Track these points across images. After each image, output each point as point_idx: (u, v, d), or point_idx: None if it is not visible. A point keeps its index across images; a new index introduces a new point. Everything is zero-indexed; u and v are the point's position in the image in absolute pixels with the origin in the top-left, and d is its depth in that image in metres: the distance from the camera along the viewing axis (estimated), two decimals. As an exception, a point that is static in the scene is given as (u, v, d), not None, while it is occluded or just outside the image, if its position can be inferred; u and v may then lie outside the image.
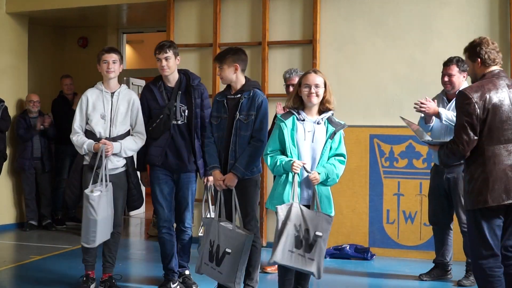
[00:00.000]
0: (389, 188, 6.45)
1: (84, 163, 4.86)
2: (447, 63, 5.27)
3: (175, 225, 5.05)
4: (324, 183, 4.06)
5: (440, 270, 5.49)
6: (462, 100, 3.69)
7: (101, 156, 4.70)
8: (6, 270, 5.85)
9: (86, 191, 4.67)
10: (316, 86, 4.07)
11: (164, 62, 4.83)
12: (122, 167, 4.91)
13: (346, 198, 6.46)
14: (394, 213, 6.44)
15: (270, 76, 6.84)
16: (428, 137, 4.03)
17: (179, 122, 4.88)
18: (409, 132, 6.20)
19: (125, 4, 7.76)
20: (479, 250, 3.72)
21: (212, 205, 4.81)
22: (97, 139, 4.79)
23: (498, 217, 3.71)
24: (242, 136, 4.49)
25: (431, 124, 5.19)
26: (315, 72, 4.16)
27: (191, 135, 4.90)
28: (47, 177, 8.00)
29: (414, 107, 5.08)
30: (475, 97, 3.65)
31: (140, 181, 5.10)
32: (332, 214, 4.07)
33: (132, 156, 5.00)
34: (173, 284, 4.98)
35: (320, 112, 4.15)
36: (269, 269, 5.71)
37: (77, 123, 4.89)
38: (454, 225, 5.39)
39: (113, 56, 4.89)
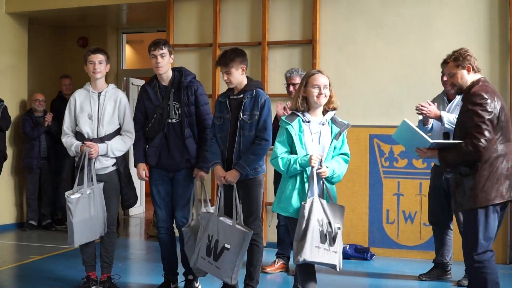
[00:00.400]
0: (389, 188, 6.46)
1: (76, 164, 4.89)
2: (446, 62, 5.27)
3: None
4: (329, 179, 4.04)
5: (440, 270, 5.49)
6: (480, 100, 3.82)
7: (86, 158, 4.73)
8: (6, 270, 5.85)
9: (67, 193, 4.74)
10: (325, 87, 4.03)
11: (159, 59, 4.80)
12: (112, 166, 4.91)
13: (346, 198, 6.44)
14: (394, 213, 6.44)
15: (270, 76, 6.84)
16: (432, 140, 3.99)
17: (173, 121, 4.86)
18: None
19: (125, 4, 7.76)
20: (481, 246, 3.83)
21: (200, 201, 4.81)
22: (85, 140, 4.82)
23: (500, 211, 3.91)
24: (247, 136, 4.49)
25: (429, 126, 5.20)
26: (321, 72, 4.11)
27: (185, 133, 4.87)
28: (51, 177, 8.00)
29: (417, 111, 5.08)
30: (489, 97, 3.83)
31: (136, 178, 5.10)
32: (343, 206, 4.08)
33: (123, 155, 4.99)
34: (173, 284, 4.98)
35: (324, 112, 4.11)
36: (269, 269, 5.71)
37: (67, 125, 4.95)
38: (454, 225, 5.39)
39: (99, 57, 4.89)
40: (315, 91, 4.02)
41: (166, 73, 4.89)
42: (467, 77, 4.00)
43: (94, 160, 4.78)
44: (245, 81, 4.59)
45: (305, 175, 3.99)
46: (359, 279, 5.65)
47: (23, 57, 8.24)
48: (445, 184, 5.28)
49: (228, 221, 4.40)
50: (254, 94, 4.52)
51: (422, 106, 5.05)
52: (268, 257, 6.08)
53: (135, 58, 10.97)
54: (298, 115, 4.07)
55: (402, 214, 6.41)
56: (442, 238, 5.45)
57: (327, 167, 3.97)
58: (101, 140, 4.82)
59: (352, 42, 6.67)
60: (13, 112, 7.88)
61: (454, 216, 5.37)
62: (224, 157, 4.55)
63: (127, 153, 5.23)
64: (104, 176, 4.86)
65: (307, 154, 3.96)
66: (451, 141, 3.94)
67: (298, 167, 3.97)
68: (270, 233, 6.69)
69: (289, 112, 4.21)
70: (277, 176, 5.59)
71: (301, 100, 4.08)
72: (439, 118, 5.05)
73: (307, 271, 4.06)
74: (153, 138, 4.89)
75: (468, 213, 3.90)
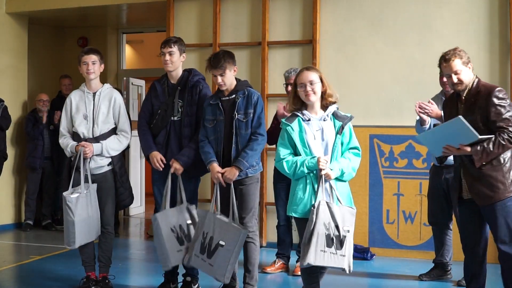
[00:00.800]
0: (389, 188, 6.45)
1: (71, 164, 4.90)
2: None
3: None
4: (340, 178, 4.00)
5: (439, 270, 5.49)
6: (504, 95, 4.00)
7: (81, 158, 4.74)
8: (6, 270, 5.85)
9: (65, 193, 4.74)
10: (311, 83, 4.00)
11: (167, 57, 4.83)
12: (107, 165, 4.91)
13: (346, 198, 6.45)
14: (394, 213, 6.44)
15: (270, 76, 6.84)
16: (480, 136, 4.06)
17: (176, 118, 4.86)
18: (408, 132, 6.22)
19: (125, 4, 7.76)
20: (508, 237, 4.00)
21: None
22: (81, 140, 4.83)
23: None
24: (243, 135, 4.52)
25: (427, 126, 5.19)
26: (308, 69, 4.09)
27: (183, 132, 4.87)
28: (53, 177, 8.00)
29: (420, 109, 5.04)
30: None
31: (134, 179, 5.09)
32: (354, 207, 4.01)
33: (119, 154, 4.99)
34: (172, 284, 4.98)
35: (324, 107, 4.09)
36: (269, 269, 5.70)
37: (63, 126, 4.97)
38: (454, 225, 5.39)
39: (92, 57, 4.90)
40: (302, 90, 4.02)
41: (175, 71, 4.90)
42: (471, 74, 4.10)
43: (89, 159, 4.79)
44: (234, 82, 4.65)
45: (313, 176, 3.95)
46: (359, 279, 5.65)
47: (23, 57, 8.24)
48: (445, 184, 5.28)
49: (224, 219, 4.40)
50: (246, 93, 4.58)
51: (425, 105, 5.03)
52: (268, 257, 6.08)
53: (135, 58, 10.97)
54: (298, 115, 4.06)
55: (402, 214, 6.41)
56: (442, 238, 5.45)
57: (331, 169, 3.92)
58: (96, 140, 4.84)
59: (352, 42, 6.67)
60: (13, 112, 7.88)
61: (453, 216, 5.38)
62: (219, 158, 4.57)
63: (126, 152, 5.23)
64: (99, 176, 4.87)
65: (314, 156, 3.93)
66: (487, 136, 3.97)
67: (305, 169, 3.94)
68: (270, 233, 6.69)
69: (289, 113, 4.21)
70: (277, 176, 5.58)
71: (294, 100, 4.09)
72: (440, 118, 5.04)
73: (310, 275, 4.06)
74: (157, 135, 4.90)
75: (496, 204, 3.99)
